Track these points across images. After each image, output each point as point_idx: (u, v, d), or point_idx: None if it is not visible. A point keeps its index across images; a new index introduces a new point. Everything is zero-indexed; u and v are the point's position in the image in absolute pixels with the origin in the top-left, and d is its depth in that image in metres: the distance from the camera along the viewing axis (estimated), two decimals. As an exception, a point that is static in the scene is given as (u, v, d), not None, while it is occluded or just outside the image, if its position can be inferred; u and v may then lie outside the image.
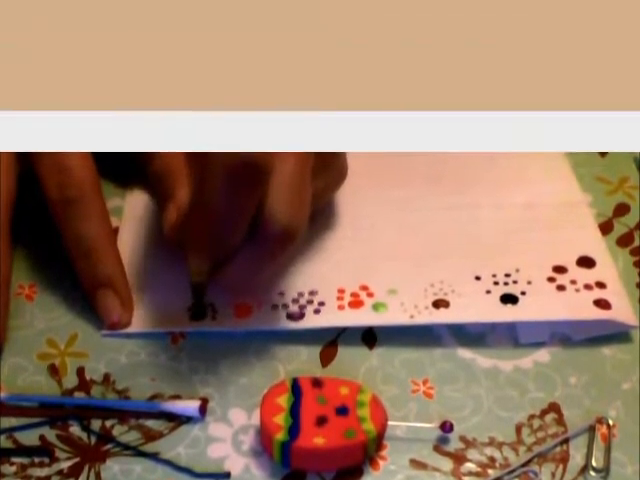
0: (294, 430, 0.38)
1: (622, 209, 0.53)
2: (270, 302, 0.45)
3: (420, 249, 0.50)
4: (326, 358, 0.44)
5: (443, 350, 0.43)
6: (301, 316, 0.44)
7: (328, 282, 0.48)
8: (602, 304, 0.44)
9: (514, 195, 0.54)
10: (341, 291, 0.46)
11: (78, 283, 0.45)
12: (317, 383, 0.40)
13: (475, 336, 0.46)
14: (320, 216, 0.53)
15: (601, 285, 0.46)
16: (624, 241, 0.51)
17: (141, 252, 0.48)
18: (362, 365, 0.42)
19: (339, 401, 0.39)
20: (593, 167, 0.53)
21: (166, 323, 0.47)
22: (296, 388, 0.40)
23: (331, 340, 0.43)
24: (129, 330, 0.46)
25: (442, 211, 0.53)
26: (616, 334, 0.45)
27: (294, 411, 0.38)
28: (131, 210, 0.52)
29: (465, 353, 0.43)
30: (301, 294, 0.46)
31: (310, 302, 0.45)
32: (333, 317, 0.47)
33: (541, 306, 0.47)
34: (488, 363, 0.44)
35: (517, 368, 0.41)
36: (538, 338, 0.43)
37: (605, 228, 0.51)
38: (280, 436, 0.38)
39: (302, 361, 0.42)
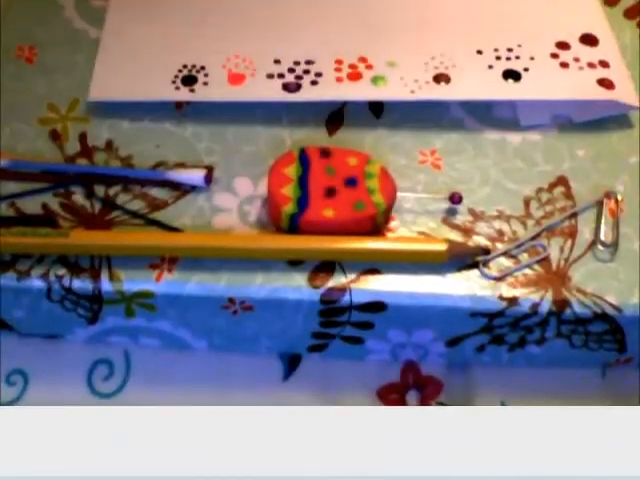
0: (303, 202, 0.46)
1: None
2: (265, 70, 0.54)
3: (419, 20, 0.58)
4: (332, 127, 0.50)
5: (450, 120, 0.53)
6: (297, 87, 0.53)
7: (325, 51, 0.56)
8: (606, 84, 0.53)
9: None
10: (339, 62, 0.56)
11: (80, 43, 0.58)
12: (325, 153, 0.49)
13: (482, 106, 0.54)
14: None
15: (604, 64, 0.55)
16: (631, 13, 0.60)
17: (131, 12, 0.59)
18: (369, 134, 0.53)
19: (348, 172, 0.48)
20: None
21: (153, 90, 0.54)
22: (304, 158, 0.48)
23: (337, 108, 0.54)
24: (114, 98, 0.53)
25: None
26: (617, 116, 0.53)
27: (302, 182, 0.47)
28: None
29: (472, 123, 0.53)
30: (297, 63, 0.55)
31: (307, 72, 0.54)
32: (331, 89, 0.53)
33: (544, 84, 0.53)
34: (496, 135, 0.52)
35: (525, 140, 0.52)
36: (539, 120, 0.52)
37: None
38: (289, 208, 0.46)
39: (308, 130, 0.52)
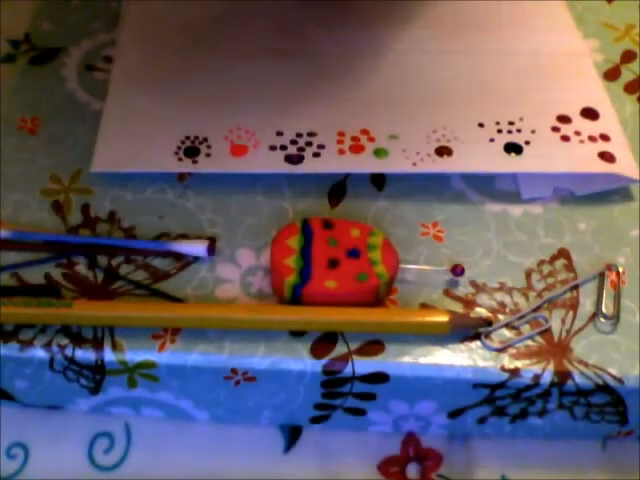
0: (305, 273, 0.49)
1: (629, 56, 0.67)
2: (267, 142, 0.57)
3: (420, 93, 0.62)
4: (335, 199, 0.55)
5: (452, 193, 0.57)
6: (300, 159, 0.57)
7: (328, 124, 0.59)
8: (606, 157, 0.57)
9: (516, 42, 0.66)
10: (341, 134, 0.59)
11: (83, 115, 0.63)
12: (328, 225, 0.52)
13: (484, 179, 0.57)
14: (320, 55, 0.64)
15: (605, 138, 0.59)
16: (631, 88, 0.64)
17: (134, 84, 0.63)
18: (371, 207, 0.56)
19: (350, 243, 0.51)
20: (600, 13, 0.69)
21: (156, 162, 0.57)
22: (307, 229, 0.52)
23: (340, 180, 0.57)
24: (117, 170, 0.56)
25: (442, 55, 0.64)
26: (618, 189, 0.57)
27: (305, 253, 0.51)
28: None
29: (474, 196, 0.57)
30: (299, 135, 0.59)
31: (309, 144, 0.58)
32: (334, 162, 0.57)
33: (546, 157, 0.57)
34: (497, 207, 0.56)
35: (527, 213, 0.56)
36: (540, 193, 0.56)
37: (612, 75, 0.65)
38: (291, 279, 0.49)
39: (310, 201, 0.56)
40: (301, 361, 0.51)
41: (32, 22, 0.71)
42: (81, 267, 0.54)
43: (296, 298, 0.51)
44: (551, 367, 0.51)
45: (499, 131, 0.61)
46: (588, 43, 0.69)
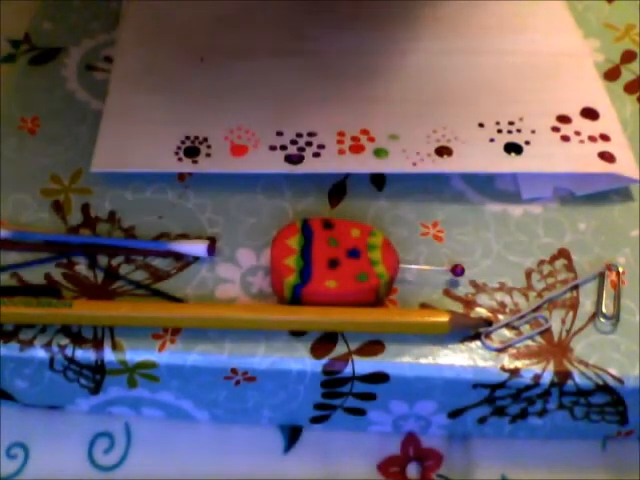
0: (306, 273, 0.50)
1: (629, 56, 0.67)
2: (267, 142, 0.58)
3: (420, 94, 0.63)
4: (335, 199, 0.55)
5: (452, 193, 0.57)
6: (300, 159, 0.57)
7: (328, 124, 0.60)
8: (606, 157, 0.57)
9: (516, 42, 0.66)
10: (341, 134, 0.59)
11: (83, 115, 0.63)
12: (328, 225, 0.52)
13: (484, 179, 0.58)
14: (320, 55, 0.65)
15: (605, 138, 0.59)
16: (631, 88, 0.65)
17: (134, 84, 0.64)
18: (371, 207, 0.56)
19: (350, 243, 0.51)
20: (600, 13, 0.70)
21: (156, 162, 0.57)
22: (307, 229, 0.52)
23: (340, 180, 0.57)
24: (117, 170, 0.57)
25: (442, 55, 0.65)
26: (618, 189, 0.59)
27: (305, 253, 0.51)
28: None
29: (474, 196, 0.57)
30: (299, 135, 0.59)
31: (309, 144, 0.58)
32: (334, 162, 0.57)
33: (546, 157, 0.57)
34: (497, 207, 0.56)
35: (527, 213, 0.56)
36: (540, 193, 0.57)
37: (612, 75, 0.66)
38: (292, 279, 0.49)
39: (310, 201, 0.56)
40: (301, 361, 0.51)
41: (32, 22, 0.71)
42: (81, 267, 0.54)
43: (296, 298, 0.51)
44: (551, 367, 0.51)
45: (499, 131, 0.61)
46: (588, 43, 0.70)
